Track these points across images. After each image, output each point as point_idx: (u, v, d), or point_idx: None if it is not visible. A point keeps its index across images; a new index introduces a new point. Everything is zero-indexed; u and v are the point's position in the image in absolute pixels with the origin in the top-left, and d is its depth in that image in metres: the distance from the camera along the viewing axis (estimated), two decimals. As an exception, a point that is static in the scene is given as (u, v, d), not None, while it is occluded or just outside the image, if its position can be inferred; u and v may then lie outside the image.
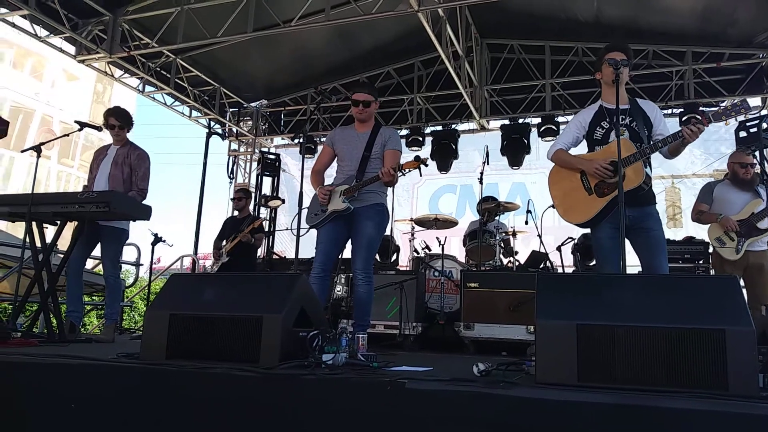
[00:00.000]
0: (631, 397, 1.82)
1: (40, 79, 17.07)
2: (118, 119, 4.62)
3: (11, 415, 2.42)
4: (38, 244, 3.97)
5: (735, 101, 3.12)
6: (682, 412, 1.70)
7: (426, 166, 3.63)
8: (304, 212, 3.94)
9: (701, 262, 5.90)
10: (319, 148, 10.44)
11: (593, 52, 8.15)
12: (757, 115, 7.53)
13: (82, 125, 4.40)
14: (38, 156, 4.15)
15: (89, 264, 5.94)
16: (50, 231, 4.12)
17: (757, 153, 6.90)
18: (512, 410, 1.85)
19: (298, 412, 2.07)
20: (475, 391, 1.91)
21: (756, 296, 4.58)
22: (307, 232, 3.99)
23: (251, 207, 7.26)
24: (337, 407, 2.03)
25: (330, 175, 4.02)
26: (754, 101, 8.25)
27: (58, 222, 4.03)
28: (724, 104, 8.35)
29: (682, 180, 8.18)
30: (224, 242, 6.23)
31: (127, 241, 4.71)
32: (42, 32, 7.45)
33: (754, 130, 7.03)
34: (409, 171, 3.61)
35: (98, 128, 4.58)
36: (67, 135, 4.93)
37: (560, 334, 2.09)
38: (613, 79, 3.15)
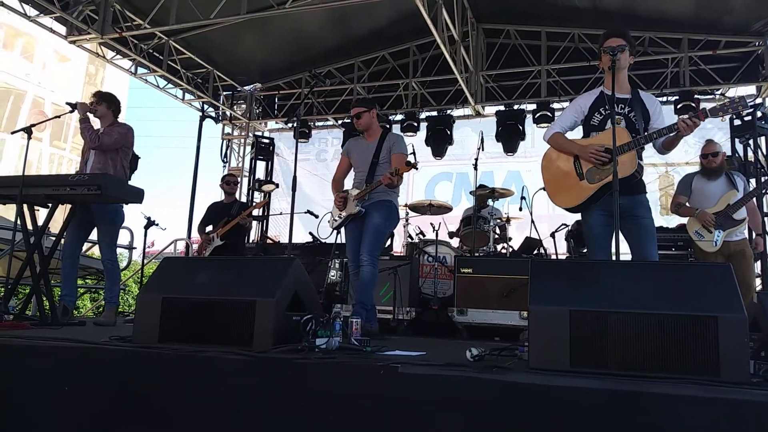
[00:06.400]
0: (623, 383, 1.83)
1: (30, 60, 16.82)
2: (95, 96, 4.57)
3: (4, 398, 2.41)
4: (30, 226, 3.94)
5: (734, 97, 3.11)
6: (673, 398, 1.71)
7: (416, 169, 4.01)
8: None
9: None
10: (314, 132, 10.47)
11: (590, 38, 8.13)
12: (752, 103, 7.53)
13: (73, 107, 4.34)
14: (29, 138, 4.09)
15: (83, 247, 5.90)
16: (42, 213, 4.09)
17: (750, 141, 6.92)
18: (505, 395, 1.85)
19: (291, 395, 2.07)
20: (468, 376, 1.92)
21: (743, 282, 4.63)
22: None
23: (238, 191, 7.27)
24: (329, 391, 2.03)
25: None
26: (749, 89, 8.26)
27: (50, 205, 4.00)
28: (720, 93, 8.37)
29: (675, 168, 8.18)
30: (210, 227, 6.19)
31: (122, 224, 4.66)
32: (32, 12, 7.32)
33: (749, 118, 7.04)
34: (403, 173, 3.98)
35: (91, 110, 4.51)
36: (58, 117, 4.87)
37: (553, 319, 2.09)
38: (609, 67, 3.16)
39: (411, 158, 4.03)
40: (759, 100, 7.95)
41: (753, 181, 6.66)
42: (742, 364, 1.91)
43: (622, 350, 2.00)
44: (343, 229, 4.27)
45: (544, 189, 3.61)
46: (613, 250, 2.99)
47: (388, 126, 9.57)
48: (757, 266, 6.20)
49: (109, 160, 4.40)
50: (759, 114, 7.07)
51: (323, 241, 6.46)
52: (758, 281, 6.25)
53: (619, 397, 1.76)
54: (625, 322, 2.02)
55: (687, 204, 4.80)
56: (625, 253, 3.42)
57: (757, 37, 7.80)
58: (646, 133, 3.21)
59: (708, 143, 4.93)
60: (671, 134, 3.15)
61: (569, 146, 3.38)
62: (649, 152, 3.49)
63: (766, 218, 6.42)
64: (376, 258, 3.99)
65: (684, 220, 4.96)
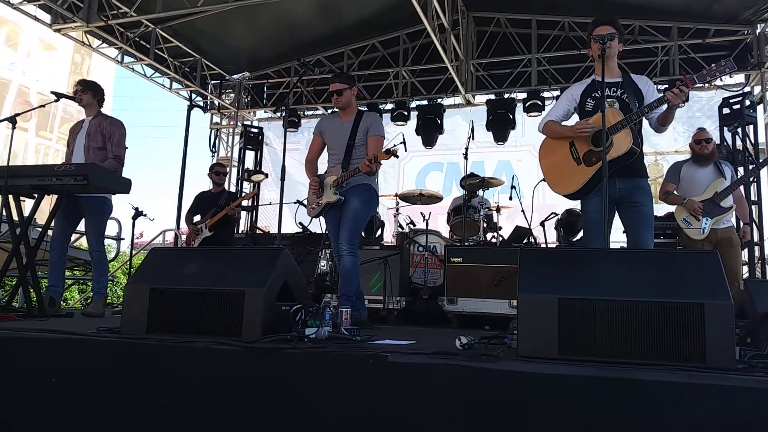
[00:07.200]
0: (611, 370, 1.84)
1: (15, 49, 16.55)
2: (80, 84, 4.51)
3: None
4: (15, 217, 3.89)
5: (719, 61, 3.14)
6: (660, 384, 1.72)
7: (396, 157, 3.85)
8: (297, 195, 4.07)
9: (682, 237, 5.96)
10: (303, 121, 10.37)
11: (580, 26, 8.11)
12: (741, 91, 7.57)
13: (59, 96, 4.28)
14: (13, 127, 4.03)
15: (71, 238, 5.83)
16: (28, 204, 4.03)
17: (739, 129, 6.96)
18: (494, 383, 1.86)
19: (281, 385, 2.07)
20: (457, 365, 1.92)
21: (730, 269, 4.67)
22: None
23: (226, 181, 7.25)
24: (319, 381, 2.03)
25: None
26: (738, 78, 8.29)
27: (36, 195, 3.95)
28: (708, 81, 8.39)
29: (665, 157, 8.22)
30: (198, 217, 6.14)
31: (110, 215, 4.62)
32: (15, -1, 7.20)
33: (737, 106, 7.08)
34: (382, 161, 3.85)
35: (77, 99, 4.45)
36: (43, 106, 4.81)
37: (542, 307, 2.10)
38: (599, 55, 3.16)
39: (400, 147, 3.87)
40: (747, 89, 7.99)
41: (741, 169, 6.71)
42: (728, 351, 1.93)
43: (610, 338, 2.01)
44: (323, 217, 4.16)
45: (544, 180, 3.62)
46: (608, 236, 3.00)
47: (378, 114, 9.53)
48: (744, 254, 6.26)
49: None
50: (747, 102, 7.10)
51: (312, 231, 6.45)
52: (745, 269, 6.31)
53: (607, 383, 1.77)
54: (613, 309, 2.03)
55: (675, 192, 4.83)
56: (620, 241, 3.43)
57: (746, 26, 7.83)
58: (637, 109, 3.22)
59: (700, 130, 4.96)
60: (663, 107, 3.16)
61: (563, 130, 3.43)
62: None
63: (753, 206, 6.48)
64: (355, 246, 3.90)
65: (672, 208, 5.00)
